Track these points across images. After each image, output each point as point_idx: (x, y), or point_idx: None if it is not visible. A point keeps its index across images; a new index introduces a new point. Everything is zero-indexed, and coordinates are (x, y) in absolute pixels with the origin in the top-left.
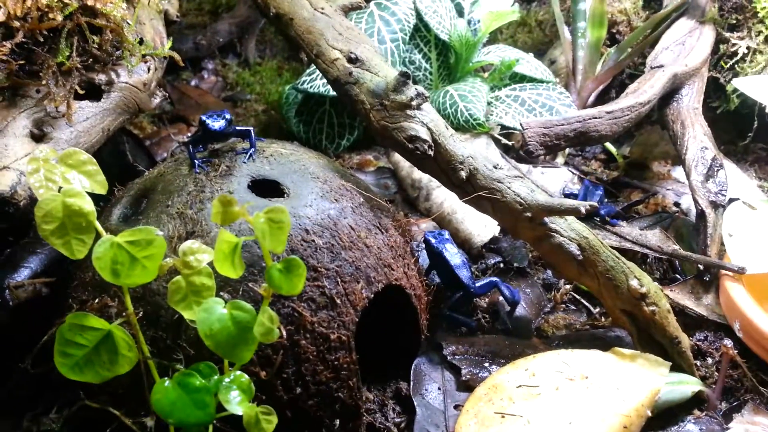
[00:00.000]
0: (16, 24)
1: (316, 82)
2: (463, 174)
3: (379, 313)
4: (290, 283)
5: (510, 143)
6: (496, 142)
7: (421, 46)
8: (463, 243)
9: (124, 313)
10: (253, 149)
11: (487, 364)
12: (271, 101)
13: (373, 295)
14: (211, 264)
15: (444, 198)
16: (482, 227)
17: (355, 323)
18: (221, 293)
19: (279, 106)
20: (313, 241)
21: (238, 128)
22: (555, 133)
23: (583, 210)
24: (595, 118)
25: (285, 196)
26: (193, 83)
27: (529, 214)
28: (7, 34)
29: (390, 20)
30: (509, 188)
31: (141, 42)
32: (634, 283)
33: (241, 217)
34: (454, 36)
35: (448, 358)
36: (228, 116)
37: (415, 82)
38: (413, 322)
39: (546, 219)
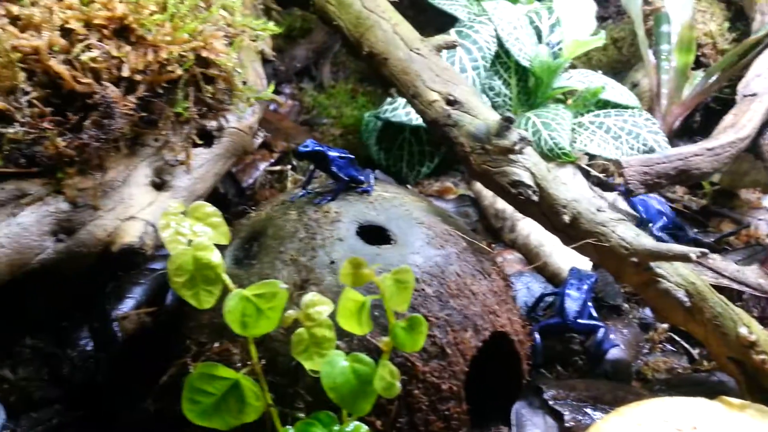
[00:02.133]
0: (138, 77)
1: (398, 112)
2: (567, 218)
3: (481, 356)
4: (413, 341)
5: (601, 174)
6: (584, 172)
7: (501, 73)
8: (551, 277)
9: (248, 362)
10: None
11: (589, 410)
12: (348, 125)
13: (481, 344)
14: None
15: (530, 230)
16: (572, 261)
17: (464, 373)
18: (337, 342)
19: (359, 132)
20: (423, 290)
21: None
22: (656, 171)
23: (693, 256)
24: (697, 155)
25: (392, 242)
26: (271, 108)
27: (634, 259)
28: (129, 87)
29: (471, 48)
30: (614, 232)
31: (246, 86)
32: (743, 330)
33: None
34: (535, 62)
35: (549, 402)
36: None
37: (494, 109)
38: (515, 367)
39: (652, 264)
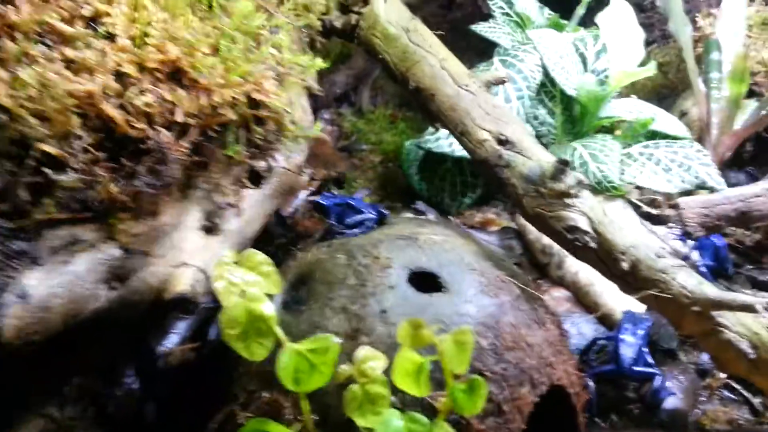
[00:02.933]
0: (191, 121)
1: (441, 142)
2: (625, 265)
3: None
4: (472, 404)
5: (654, 211)
6: (634, 206)
7: (546, 102)
8: (603, 318)
9: (299, 417)
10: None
11: None
12: (387, 152)
13: (538, 399)
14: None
15: (579, 267)
16: (625, 301)
17: (522, 430)
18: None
19: (400, 161)
20: (478, 342)
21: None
22: (716, 213)
23: (759, 308)
24: (758, 196)
25: (443, 290)
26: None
27: (696, 308)
28: (181, 131)
29: (516, 77)
30: (674, 280)
31: (293, 123)
32: None
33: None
34: (581, 91)
35: None
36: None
37: (538, 138)
38: (571, 421)
39: (714, 313)
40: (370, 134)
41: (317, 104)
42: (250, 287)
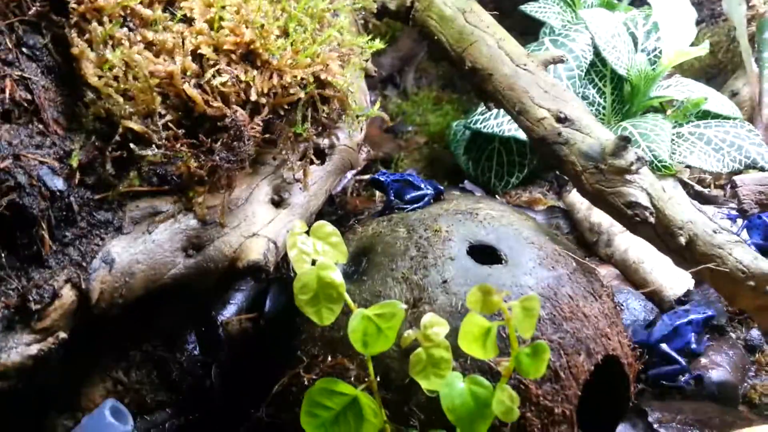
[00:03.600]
0: (263, 100)
1: (489, 122)
2: (683, 240)
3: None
4: (536, 367)
5: (706, 190)
6: (684, 185)
7: (596, 81)
8: (652, 294)
9: (364, 379)
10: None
11: None
12: (433, 133)
13: (593, 367)
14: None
15: (628, 245)
16: (674, 279)
17: (577, 397)
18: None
19: (446, 141)
20: None
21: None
22: None
23: None
24: None
25: (503, 262)
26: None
27: (752, 283)
28: (254, 109)
29: (567, 57)
30: (730, 255)
31: (374, 104)
32: None
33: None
34: (632, 71)
35: (654, 425)
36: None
37: None
38: (623, 389)
39: None
40: (415, 116)
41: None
42: (321, 256)
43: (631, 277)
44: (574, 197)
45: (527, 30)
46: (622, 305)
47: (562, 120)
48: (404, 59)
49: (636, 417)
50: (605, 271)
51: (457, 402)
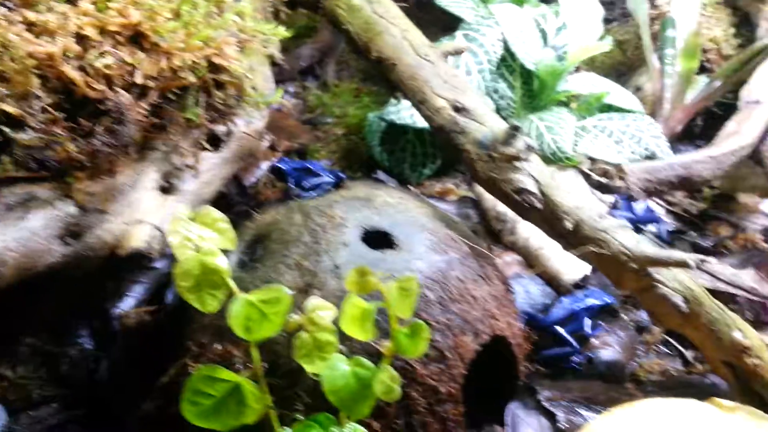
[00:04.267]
0: (151, 84)
1: (402, 114)
2: (569, 225)
3: (479, 358)
4: (415, 347)
5: (604, 180)
6: (585, 176)
7: (506, 75)
8: (550, 280)
9: (248, 364)
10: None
11: (582, 411)
12: (351, 125)
13: (480, 347)
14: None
15: (530, 233)
16: (572, 265)
17: (463, 376)
18: (339, 345)
19: (362, 131)
20: (425, 295)
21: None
22: (658, 178)
23: (692, 263)
24: (699, 162)
25: (396, 247)
26: (274, 107)
27: (634, 266)
28: (141, 93)
29: (477, 51)
30: (615, 239)
31: (255, 89)
32: (737, 335)
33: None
34: (540, 65)
35: (543, 403)
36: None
37: (498, 111)
38: (512, 369)
39: (651, 270)
40: (335, 108)
41: (282, 77)
42: (205, 242)
43: (532, 262)
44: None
45: (449, 25)
46: (522, 289)
47: (459, 109)
48: (324, 51)
49: (527, 396)
50: (509, 258)
51: (339, 384)
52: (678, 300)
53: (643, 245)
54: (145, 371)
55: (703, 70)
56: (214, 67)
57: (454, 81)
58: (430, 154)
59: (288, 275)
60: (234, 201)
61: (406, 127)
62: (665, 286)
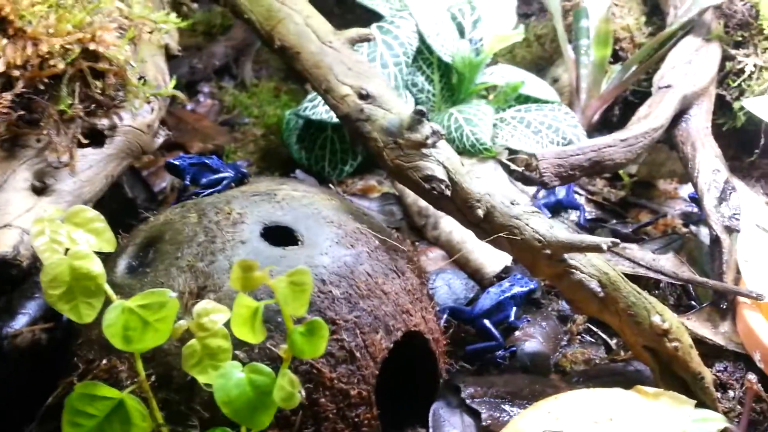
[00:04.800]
0: (16, 73)
1: (318, 109)
2: (480, 212)
3: (395, 357)
4: (313, 346)
5: (520, 169)
6: (504, 166)
7: (424, 69)
8: (474, 273)
9: (135, 379)
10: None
11: (507, 407)
12: (270, 125)
13: (392, 345)
14: (227, 323)
15: (453, 227)
16: (493, 257)
17: (375, 376)
18: (236, 352)
19: (279, 131)
20: (330, 291)
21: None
22: (570, 163)
23: (605, 247)
24: (610, 146)
25: (299, 243)
26: (189, 108)
27: (548, 252)
28: (6, 84)
29: (393, 44)
30: (527, 225)
31: (143, 82)
32: (656, 319)
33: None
34: (457, 58)
35: (467, 401)
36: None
37: (418, 105)
38: (431, 366)
39: (566, 255)
40: (253, 107)
41: (196, 76)
42: (77, 245)
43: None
44: None
45: (373, 21)
46: (444, 285)
47: (364, 97)
48: (239, 49)
49: (450, 394)
50: (433, 254)
51: (233, 393)
52: (594, 285)
53: (556, 230)
54: (38, 394)
55: (617, 59)
56: (90, 54)
57: (359, 68)
58: (350, 151)
59: (180, 278)
60: (142, 207)
61: (324, 124)
62: (580, 272)
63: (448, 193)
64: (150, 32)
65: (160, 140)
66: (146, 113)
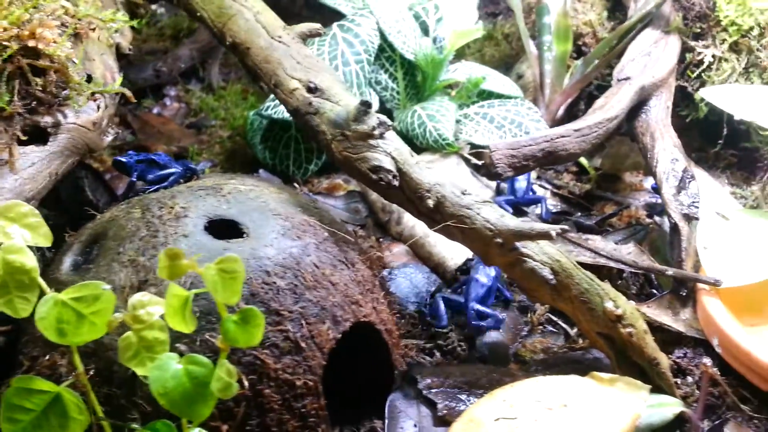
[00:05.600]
0: None
1: (280, 108)
2: (431, 202)
3: (351, 351)
4: (248, 335)
5: (480, 162)
6: (466, 161)
7: (387, 66)
8: (436, 267)
9: (73, 373)
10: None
11: (463, 396)
12: (237, 126)
13: (340, 335)
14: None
15: (415, 222)
16: (455, 251)
17: (322, 366)
18: (177, 344)
19: (244, 132)
20: (275, 283)
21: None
22: (523, 154)
23: (554, 234)
24: (563, 136)
25: (244, 236)
26: (155, 111)
27: (499, 240)
28: None
29: (353, 42)
30: (478, 214)
31: (89, 80)
32: (609, 305)
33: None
34: (419, 55)
35: (423, 392)
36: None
37: (383, 103)
38: (386, 358)
39: (517, 244)
40: (220, 110)
41: (161, 80)
42: (11, 239)
43: (418, 251)
44: None
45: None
46: (407, 280)
47: (312, 90)
48: (205, 51)
49: (408, 386)
50: (396, 249)
51: (170, 385)
52: (546, 272)
53: (506, 219)
54: None
55: (580, 54)
56: (29, 52)
57: (308, 62)
58: (315, 150)
59: (121, 273)
60: (102, 209)
61: (288, 123)
62: (533, 260)
63: (396, 183)
64: (92, 29)
65: (109, 138)
66: (92, 111)
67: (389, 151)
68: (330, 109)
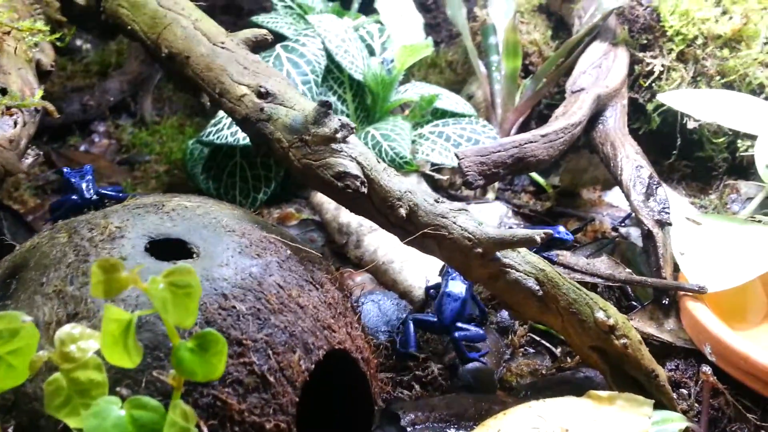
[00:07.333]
0: None
1: (223, 132)
2: (403, 211)
3: (324, 384)
4: (207, 366)
5: (444, 178)
6: (427, 179)
7: (335, 88)
8: (402, 295)
9: None
10: None
11: (452, 431)
12: (174, 160)
13: (313, 366)
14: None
15: (377, 245)
16: (423, 277)
17: (294, 404)
18: (118, 388)
19: (184, 163)
20: (234, 307)
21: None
22: (492, 160)
23: (538, 239)
24: (531, 142)
25: (194, 256)
26: (82, 148)
27: (480, 250)
28: None
29: (299, 62)
30: (455, 223)
31: (4, 92)
32: (600, 315)
33: (134, 286)
34: (368, 75)
35: (408, 429)
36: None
37: None
38: (363, 390)
39: (498, 254)
40: (155, 144)
41: (88, 115)
42: None
43: (382, 277)
44: (322, 196)
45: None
46: (374, 307)
47: (263, 95)
48: (135, 83)
49: (388, 424)
50: (360, 279)
51: None
52: (531, 283)
53: (485, 227)
54: None
55: (528, 73)
56: None
57: (256, 66)
58: (263, 177)
59: (45, 307)
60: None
61: (232, 148)
62: (516, 270)
63: (364, 190)
64: (5, 35)
65: (29, 161)
66: (8, 126)
67: (354, 156)
68: (285, 114)
